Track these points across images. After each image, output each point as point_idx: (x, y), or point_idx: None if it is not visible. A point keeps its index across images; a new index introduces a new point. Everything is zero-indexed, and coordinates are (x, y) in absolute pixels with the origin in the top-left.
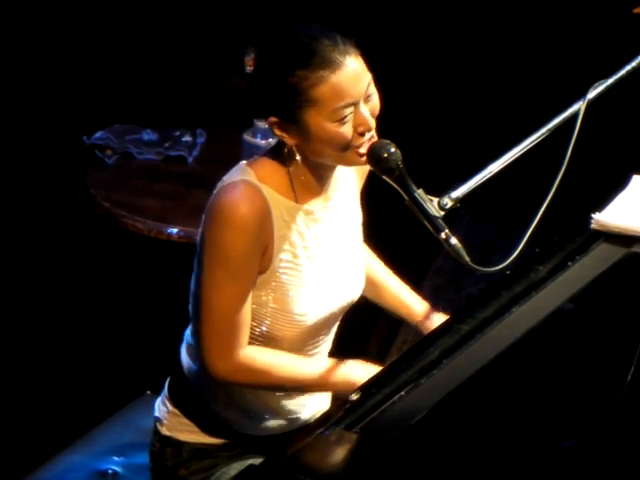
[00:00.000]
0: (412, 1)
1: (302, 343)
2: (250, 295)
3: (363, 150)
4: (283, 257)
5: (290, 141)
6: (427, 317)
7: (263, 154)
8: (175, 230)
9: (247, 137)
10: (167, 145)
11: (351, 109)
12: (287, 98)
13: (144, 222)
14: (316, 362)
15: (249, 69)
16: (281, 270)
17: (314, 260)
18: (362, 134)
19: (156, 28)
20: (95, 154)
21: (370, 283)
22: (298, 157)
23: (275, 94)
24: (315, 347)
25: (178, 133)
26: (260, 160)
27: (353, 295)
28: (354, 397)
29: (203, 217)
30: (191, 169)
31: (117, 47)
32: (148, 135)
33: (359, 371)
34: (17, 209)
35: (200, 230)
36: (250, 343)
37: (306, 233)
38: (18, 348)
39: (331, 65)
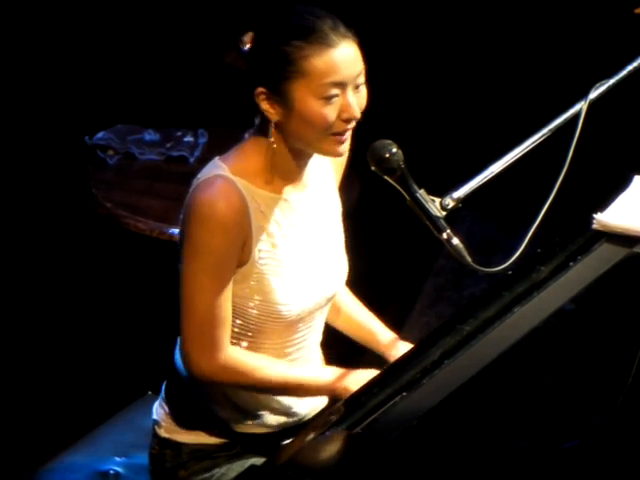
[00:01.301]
0: (414, 1)
1: (290, 334)
2: (230, 292)
3: (344, 138)
4: (262, 248)
5: (274, 116)
6: (392, 346)
7: (237, 147)
8: (177, 230)
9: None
10: (169, 145)
11: (338, 91)
12: (278, 67)
13: (146, 222)
14: (302, 368)
15: (247, 47)
16: (261, 261)
17: (292, 249)
18: (345, 121)
19: (158, 28)
20: (97, 154)
21: (336, 312)
22: (274, 137)
23: (267, 62)
24: (303, 339)
25: (180, 133)
26: (234, 153)
27: (336, 283)
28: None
29: (181, 216)
30: (193, 169)
31: (119, 47)
32: (150, 135)
33: (346, 381)
34: (19, 209)
35: (179, 229)
36: (238, 338)
37: (283, 222)
38: (19, 348)
39: (328, 41)
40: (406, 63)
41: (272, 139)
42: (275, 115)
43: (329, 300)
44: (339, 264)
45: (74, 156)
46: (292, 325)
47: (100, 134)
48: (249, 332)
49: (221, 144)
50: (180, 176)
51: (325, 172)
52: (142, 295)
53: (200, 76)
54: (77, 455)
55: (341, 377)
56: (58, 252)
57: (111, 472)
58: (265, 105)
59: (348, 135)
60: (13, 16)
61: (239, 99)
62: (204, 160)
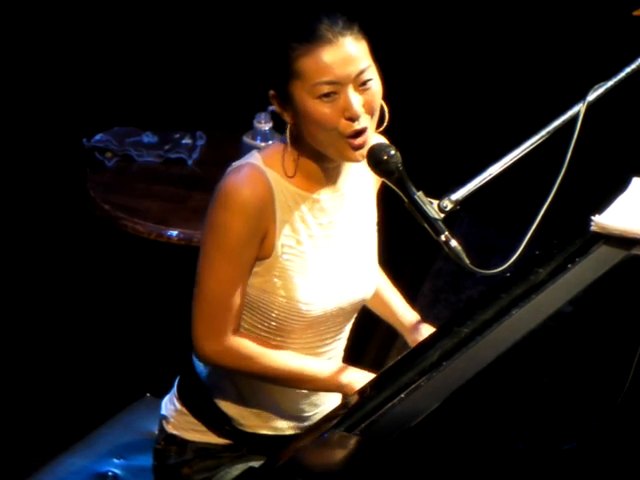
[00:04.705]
0: (413, 1)
1: (311, 338)
2: (244, 279)
3: (357, 142)
4: (285, 242)
5: (288, 118)
6: (415, 328)
7: (275, 142)
8: (175, 232)
9: (247, 139)
10: (167, 147)
11: (333, 88)
12: (279, 69)
13: (144, 225)
14: (307, 359)
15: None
16: (285, 256)
17: (320, 250)
18: (350, 120)
19: (156, 30)
20: (95, 156)
21: None
22: (293, 139)
23: (271, 65)
24: (326, 345)
25: (178, 135)
26: (271, 147)
27: (364, 292)
28: (351, 400)
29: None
30: (191, 171)
31: (117, 49)
32: (148, 137)
33: (351, 377)
34: (17, 212)
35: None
36: (258, 335)
37: (312, 222)
38: (18, 350)
39: (321, 40)
40: (404, 65)
41: (287, 143)
42: (288, 117)
43: (355, 307)
44: (368, 273)
45: (72, 158)
46: (314, 327)
47: (98, 136)
48: (269, 330)
49: (219, 146)
50: (178, 178)
51: (365, 180)
52: (140, 297)
53: (198, 78)
54: (75, 457)
55: (347, 372)
56: (56, 254)
57: (109, 474)
58: (278, 108)
59: (362, 139)
60: (12, 17)
61: (237, 101)
62: (202, 162)
